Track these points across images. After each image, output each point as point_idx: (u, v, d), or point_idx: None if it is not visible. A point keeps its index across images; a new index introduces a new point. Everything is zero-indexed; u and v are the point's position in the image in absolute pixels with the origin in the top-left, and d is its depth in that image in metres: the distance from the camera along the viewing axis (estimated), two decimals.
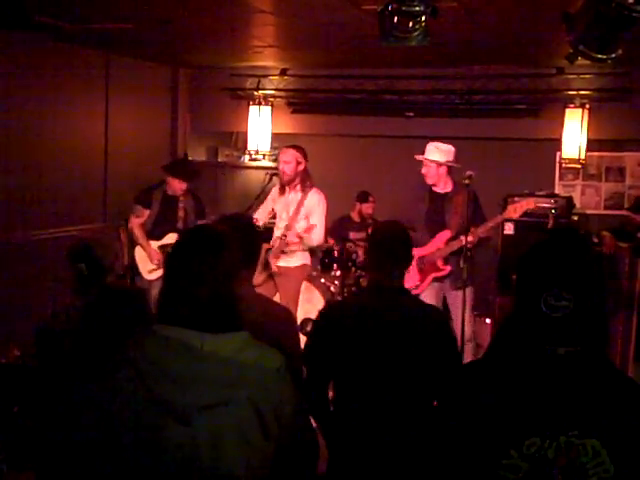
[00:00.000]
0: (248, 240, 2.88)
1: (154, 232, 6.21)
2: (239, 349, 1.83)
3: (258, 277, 5.49)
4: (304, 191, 5.58)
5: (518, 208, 5.36)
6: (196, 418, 1.75)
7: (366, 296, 3.08)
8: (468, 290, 5.23)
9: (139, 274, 6.16)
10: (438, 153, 5.44)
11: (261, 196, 5.61)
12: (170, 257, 1.94)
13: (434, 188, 5.54)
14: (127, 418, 1.77)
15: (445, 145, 5.50)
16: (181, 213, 6.18)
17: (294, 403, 1.93)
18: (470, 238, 5.16)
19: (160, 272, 5.96)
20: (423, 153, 5.53)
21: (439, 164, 5.44)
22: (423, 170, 5.47)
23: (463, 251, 5.19)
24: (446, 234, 5.38)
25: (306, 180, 5.59)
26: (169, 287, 1.89)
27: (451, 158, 5.47)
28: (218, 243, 1.93)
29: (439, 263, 5.39)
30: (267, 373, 1.85)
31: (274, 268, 5.55)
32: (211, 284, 1.85)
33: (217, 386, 1.77)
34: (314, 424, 2.66)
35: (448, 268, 5.37)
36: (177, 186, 6.17)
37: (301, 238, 5.46)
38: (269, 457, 1.86)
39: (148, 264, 6.14)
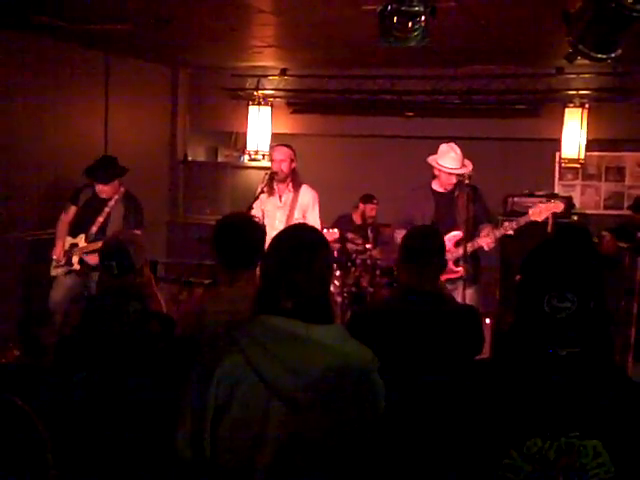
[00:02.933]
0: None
1: (73, 229, 5.85)
2: (340, 339, 1.93)
3: None
4: (295, 189, 5.58)
5: (544, 211, 5.18)
6: (304, 403, 1.83)
7: (398, 300, 3.04)
8: (474, 287, 5.32)
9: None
10: (459, 160, 5.24)
11: (262, 196, 5.59)
12: (275, 251, 2.00)
13: (436, 187, 5.43)
14: (235, 402, 1.82)
15: (456, 147, 5.30)
16: (101, 218, 5.74)
17: (382, 391, 2.03)
18: (489, 240, 5.20)
19: (60, 270, 5.78)
20: (432, 153, 5.37)
21: (465, 174, 5.21)
22: (445, 178, 5.25)
23: (465, 252, 5.13)
24: (456, 235, 5.25)
25: (296, 179, 5.60)
26: (274, 279, 1.95)
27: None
28: (323, 239, 2.04)
29: (451, 265, 5.22)
30: (366, 363, 1.95)
31: None
32: (318, 278, 1.94)
33: (324, 373, 1.84)
34: None
35: (461, 270, 5.22)
36: (98, 188, 5.76)
37: None
38: (363, 442, 1.95)
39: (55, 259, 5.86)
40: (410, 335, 2.81)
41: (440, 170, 5.30)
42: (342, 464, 1.94)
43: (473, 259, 5.35)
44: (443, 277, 5.32)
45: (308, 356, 1.84)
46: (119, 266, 3.11)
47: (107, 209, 5.79)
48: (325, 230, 5.47)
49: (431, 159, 5.35)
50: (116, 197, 5.82)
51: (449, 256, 5.23)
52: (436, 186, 5.43)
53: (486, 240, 5.21)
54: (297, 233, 2.07)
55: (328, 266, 2.02)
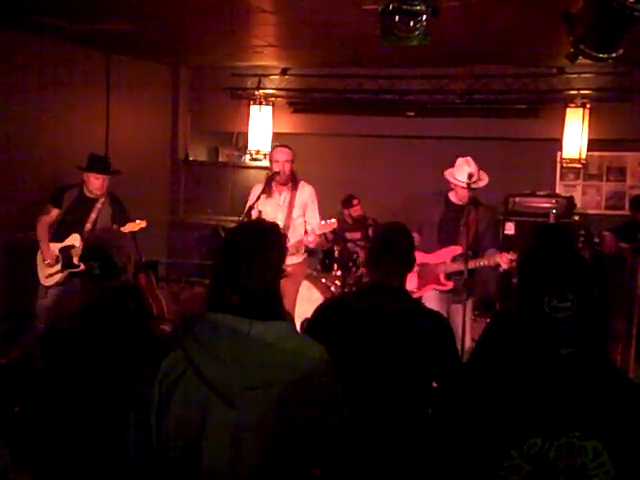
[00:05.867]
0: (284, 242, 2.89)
1: (59, 232, 5.73)
2: (283, 336, 1.92)
3: None
4: (294, 187, 5.58)
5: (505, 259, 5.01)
6: (240, 399, 1.82)
7: (364, 294, 3.04)
8: (468, 302, 5.14)
9: (38, 280, 5.74)
10: (474, 174, 5.14)
11: (262, 196, 5.59)
12: (224, 248, 2.01)
13: (452, 198, 5.34)
14: (175, 398, 1.85)
15: (472, 161, 5.21)
16: (94, 215, 5.67)
17: (332, 391, 2.00)
18: (485, 262, 5.04)
19: (57, 278, 5.66)
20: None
21: (478, 188, 5.17)
22: (460, 192, 5.17)
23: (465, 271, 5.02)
24: (456, 249, 5.18)
25: (294, 177, 5.62)
26: (222, 276, 1.97)
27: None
28: (274, 237, 2.06)
29: (441, 277, 5.21)
30: (308, 361, 1.93)
31: (288, 269, 5.50)
32: (264, 275, 1.96)
33: (262, 369, 1.85)
34: None
35: (450, 284, 5.18)
36: (94, 184, 5.64)
37: (316, 235, 5.43)
38: (306, 440, 1.93)
39: (46, 269, 5.71)
40: (371, 329, 2.79)
41: (455, 184, 5.23)
42: (300, 465, 1.93)
43: (467, 277, 5.10)
44: (430, 287, 5.29)
45: (247, 353, 1.84)
46: (102, 267, 3.12)
47: (98, 205, 5.70)
48: (323, 222, 5.47)
49: (447, 173, 5.29)
50: (102, 199, 5.73)
51: (442, 268, 5.19)
52: (452, 197, 5.34)
53: (505, 257, 4.99)
54: (250, 230, 2.08)
55: (275, 264, 2.03)
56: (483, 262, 5.08)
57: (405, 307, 2.90)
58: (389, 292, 2.89)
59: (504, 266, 4.98)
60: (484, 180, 5.23)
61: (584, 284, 1.79)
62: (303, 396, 1.88)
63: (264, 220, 2.84)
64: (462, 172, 5.16)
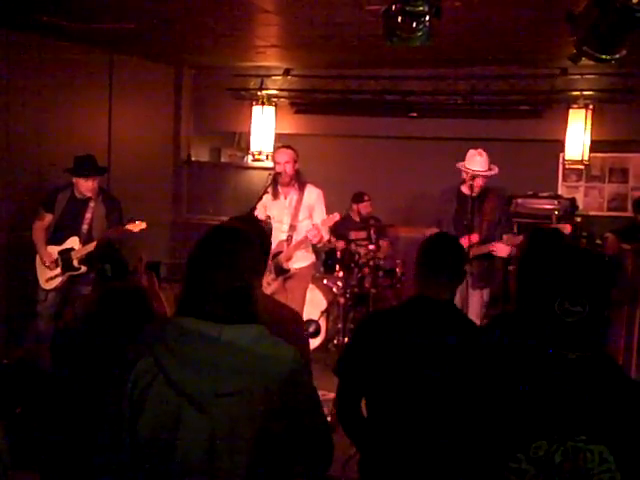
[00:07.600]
0: (262, 242, 2.87)
1: (56, 236, 5.75)
2: (255, 340, 1.88)
3: (273, 284, 5.45)
4: (300, 189, 5.58)
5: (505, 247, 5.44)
6: (213, 405, 1.80)
7: (410, 308, 2.91)
8: (485, 290, 5.49)
9: (38, 284, 5.77)
10: (484, 163, 5.52)
11: (264, 197, 5.58)
12: (193, 252, 1.98)
13: (464, 190, 5.57)
14: (147, 405, 1.82)
15: (483, 151, 5.56)
16: (89, 215, 5.69)
17: (308, 394, 1.97)
18: (500, 246, 5.40)
19: (57, 281, 5.73)
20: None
21: (491, 176, 5.53)
22: (476, 181, 5.48)
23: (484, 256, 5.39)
24: (474, 237, 5.39)
25: (300, 179, 5.61)
26: (191, 280, 1.94)
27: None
28: (238, 238, 2.00)
29: None
30: (282, 364, 1.90)
31: (292, 269, 5.53)
32: (232, 278, 1.91)
33: (234, 375, 1.81)
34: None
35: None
36: (85, 186, 5.66)
37: (319, 229, 5.43)
38: (282, 446, 1.90)
39: (46, 272, 5.73)
40: (417, 344, 2.71)
41: (467, 173, 5.51)
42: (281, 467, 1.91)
43: (484, 261, 5.47)
44: None
45: (217, 358, 1.81)
46: (113, 268, 3.11)
47: (92, 205, 5.70)
48: (324, 217, 5.50)
49: (460, 164, 5.61)
50: (95, 198, 5.71)
51: None
52: (464, 189, 5.60)
53: (502, 247, 5.37)
54: (216, 232, 2.03)
55: (246, 266, 1.97)
56: (486, 249, 5.44)
57: (453, 322, 2.81)
58: (437, 306, 2.80)
59: (501, 254, 5.38)
60: (494, 170, 5.58)
61: (597, 289, 1.78)
62: (279, 401, 1.85)
63: (239, 221, 2.83)
64: (473, 162, 5.49)
